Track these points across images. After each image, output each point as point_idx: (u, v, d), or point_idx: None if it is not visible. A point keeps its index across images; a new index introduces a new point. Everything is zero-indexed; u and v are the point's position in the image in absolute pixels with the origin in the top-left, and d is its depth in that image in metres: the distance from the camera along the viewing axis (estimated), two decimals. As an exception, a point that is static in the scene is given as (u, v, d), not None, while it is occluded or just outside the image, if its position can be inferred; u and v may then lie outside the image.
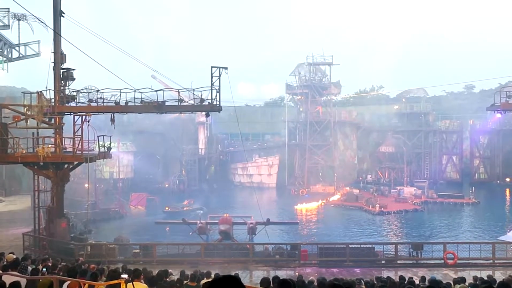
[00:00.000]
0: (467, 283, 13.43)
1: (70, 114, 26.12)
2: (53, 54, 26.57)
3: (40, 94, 24.99)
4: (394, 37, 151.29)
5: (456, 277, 15.64)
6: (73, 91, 26.65)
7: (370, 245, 26.30)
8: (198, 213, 43.34)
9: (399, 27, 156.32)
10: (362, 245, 26.42)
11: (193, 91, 25.64)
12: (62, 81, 26.74)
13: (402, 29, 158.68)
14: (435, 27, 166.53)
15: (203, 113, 28.46)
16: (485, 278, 14.43)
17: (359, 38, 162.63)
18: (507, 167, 69.05)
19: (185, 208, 48.80)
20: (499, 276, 18.64)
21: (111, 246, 26.00)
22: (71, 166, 26.38)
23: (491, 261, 24.04)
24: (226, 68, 25.26)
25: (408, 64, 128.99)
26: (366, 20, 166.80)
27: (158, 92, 25.90)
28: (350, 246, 25.27)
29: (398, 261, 24.73)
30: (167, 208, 48.53)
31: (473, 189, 57.56)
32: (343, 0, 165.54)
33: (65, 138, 26.20)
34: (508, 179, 67.87)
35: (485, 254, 24.35)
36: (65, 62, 27.11)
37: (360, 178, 69.92)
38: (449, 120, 74.08)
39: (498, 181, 68.75)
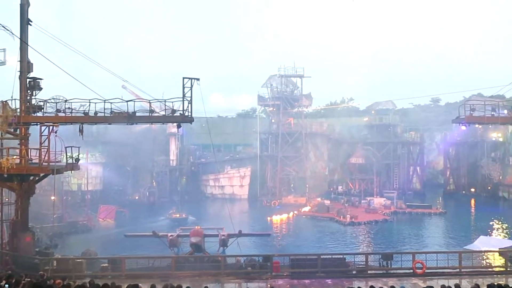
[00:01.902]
0: (435, 292, 13.65)
1: (37, 125, 25.40)
2: (19, 62, 25.85)
3: (5, 103, 24.21)
4: (364, 51, 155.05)
5: (424, 286, 15.93)
6: (40, 101, 25.93)
7: (341, 256, 26.42)
8: (192, 220, 47.97)
9: (369, 42, 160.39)
10: (333, 256, 26.51)
11: (165, 101, 25.40)
12: (29, 91, 25.98)
13: (371, 43, 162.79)
14: (403, 43, 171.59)
15: (175, 124, 28.20)
16: (453, 287, 14.71)
17: (330, 52, 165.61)
18: (472, 178, 71.31)
19: (178, 215, 51.69)
20: (466, 284, 19.09)
21: (78, 260, 25.20)
22: (37, 178, 25.57)
23: (458, 269, 24.55)
24: (198, 79, 25.14)
25: (377, 77, 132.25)
26: (336, 34, 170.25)
27: (128, 102, 25.49)
28: (321, 257, 25.32)
29: (369, 271, 24.89)
30: (178, 215, 51.55)
31: (440, 199, 59.06)
32: (315, 15, 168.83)
33: (31, 149, 25.42)
34: (473, 190, 69.99)
35: (452, 263, 24.85)
36: (32, 71, 26.36)
37: (331, 189, 70.63)
38: (414, 132, 76.16)
39: (464, 192, 70.85)
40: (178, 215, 51.98)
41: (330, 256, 26.37)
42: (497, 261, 28.46)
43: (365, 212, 54.57)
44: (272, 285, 19.96)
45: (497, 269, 26.29)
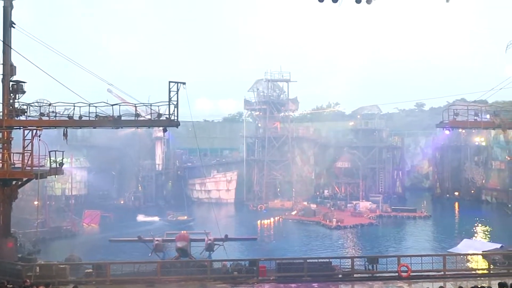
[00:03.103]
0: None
1: (20, 128, 25.05)
2: (2, 65, 25.49)
3: (-13, 107, 23.85)
4: (349, 56, 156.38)
5: (410, 289, 16.03)
6: (23, 105, 25.60)
7: (328, 260, 26.52)
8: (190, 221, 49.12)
9: (354, 47, 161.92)
10: (319, 260, 26.60)
11: (151, 105, 25.27)
12: (12, 94, 25.64)
13: (357, 48, 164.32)
14: (388, 48, 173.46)
15: (161, 128, 28.04)
16: (437, 290, 14.89)
17: (316, 56, 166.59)
18: (456, 182, 72.23)
19: (179, 217, 52.13)
20: (450, 287, 19.31)
21: (61, 266, 24.84)
22: (19, 183, 25.20)
23: (443, 272, 24.82)
24: (184, 83, 25.04)
25: (363, 82, 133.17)
26: (322, 39, 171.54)
27: (114, 106, 25.30)
28: (308, 261, 25.39)
29: (355, 275, 25.04)
30: (186, 217, 52.19)
31: (425, 203, 59.68)
32: (301, 20, 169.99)
33: (13, 153, 25.04)
34: (457, 193, 70.90)
35: (437, 266, 25.12)
36: (15, 74, 26.05)
37: (318, 193, 70.77)
38: (397, 136, 76.81)
39: (448, 195, 71.76)
40: (185, 217, 51.92)
41: (316, 260, 26.46)
42: (481, 264, 28.86)
43: (351, 216, 54.85)
44: (258, 290, 19.92)
45: (480, 271, 26.66)
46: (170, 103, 24.78)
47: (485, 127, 31.45)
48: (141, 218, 54.29)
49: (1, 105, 25.17)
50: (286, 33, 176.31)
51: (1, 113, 24.94)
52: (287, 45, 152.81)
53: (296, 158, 72.50)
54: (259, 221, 52.80)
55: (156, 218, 53.77)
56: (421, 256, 26.04)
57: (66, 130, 25.23)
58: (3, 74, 25.52)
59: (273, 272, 24.80)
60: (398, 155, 74.50)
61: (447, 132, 32.24)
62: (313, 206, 58.98)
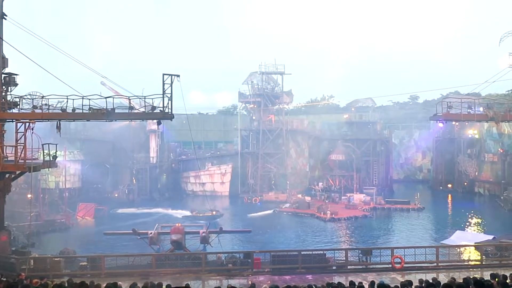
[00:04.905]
0: (413, 286, 13.88)
1: (12, 121, 24.86)
2: (-6, 58, 25.23)
3: (-21, 100, 23.61)
4: (344, 48, 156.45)
5: (403, 280, 16.14)
6: (15, 97, 25.39)
7: (322, 252, 26.69)
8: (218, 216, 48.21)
9: (348, 39, 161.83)
10: (313, 252, 26.75)
11: (144, 98, 25.12)
12: (4, 87, 25.43)
13: (351, 41, 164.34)
14: (382, 41, 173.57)
15: (155, 121, 27.90)
16: (430, 281, 14.98)
17: (310, 49, 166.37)
18: (449, 174, 72.73)
19: (206, 213, 49.94)
20: (443, 278, 19.45)
21: (56, 259, 24.82)
22: (12, 176, 25.07)
23: (435, 264, 25.05)
24: (178, 76, 24.89)
25: (357, 74, 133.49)
26: (317, 31, 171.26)
27: (107, 99, 25.13)
28: (302, 253, 25.54)
29: (349, 267, 25.22)
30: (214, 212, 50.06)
31: (418, 195, 59.97)
32: (295, 12, 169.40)
33: (6, 146, 24.87)
34: (450, 185, 71.40)
35: (430, 257, 25.35)
36: (7, 66, 25.83)
37: (312, 185, 71.00)
38: (388, 130, 76.93)
39: (441, 187, 72.25)
40: (213, 213, 49.63)
41: (310, 252, 26.63)
42: (473, 255, 29.15)
43: (345, 208, 55.08)
44: (253, 282, 19.97)
45: (472, 263, 26.99)
46: (164, 95, 24.64)
47: (479, 120, 31.61)
48: (150, 210, 54.42)
49: (-7, 97, 24.93)
50: (280, 26, 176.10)
51: (-7, 106, 24.71)
52: (281, 38, 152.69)
53: (291, 151, 72.61)
54: (258, 213, 53.02)
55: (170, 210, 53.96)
56: (414, 247, 26.26)
57: (59, 122, 25.04)
58: (-5, 66, 25.27)
59: (267, 264, 24.93)
60: (392, 148, 74.91)
61: (440, 124, 32.42)
62: (308, 198, 59.15)
